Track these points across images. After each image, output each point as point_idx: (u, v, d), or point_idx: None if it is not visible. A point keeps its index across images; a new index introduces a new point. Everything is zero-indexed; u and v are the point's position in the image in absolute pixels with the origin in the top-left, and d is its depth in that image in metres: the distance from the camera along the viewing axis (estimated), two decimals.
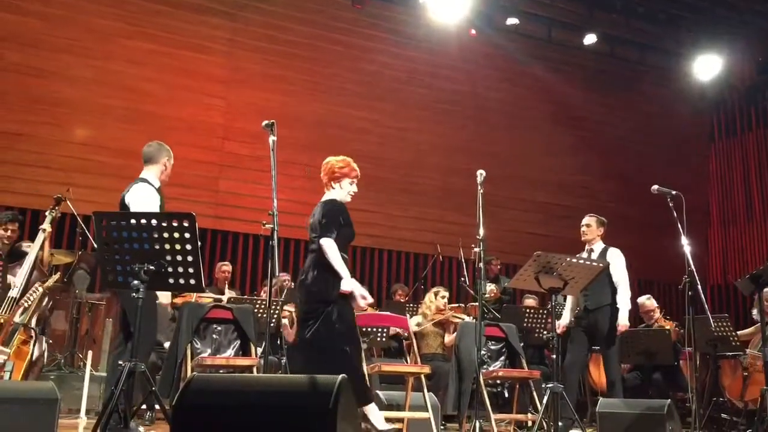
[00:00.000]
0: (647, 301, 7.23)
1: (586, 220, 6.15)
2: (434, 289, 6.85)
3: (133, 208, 4.20)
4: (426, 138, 10.17)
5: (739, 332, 6.42)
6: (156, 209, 4.22)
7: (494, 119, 10.64)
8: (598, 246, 6.03)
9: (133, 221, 3.34)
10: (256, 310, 5.84)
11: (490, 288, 7.05)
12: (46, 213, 5.83)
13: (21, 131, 8.14)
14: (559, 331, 5.81)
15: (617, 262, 5.83)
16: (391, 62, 10.07)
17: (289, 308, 7.17)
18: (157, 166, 4.46)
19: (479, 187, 4.45)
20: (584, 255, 5.91)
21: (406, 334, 6.18)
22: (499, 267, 8.71)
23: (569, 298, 6.04)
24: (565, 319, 5.94)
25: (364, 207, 9.75)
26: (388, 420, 5.28)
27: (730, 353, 6.46)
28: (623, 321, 5.78)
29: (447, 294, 7.05)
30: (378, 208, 9.77)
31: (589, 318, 5.80)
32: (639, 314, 7.39)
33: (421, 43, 10.19)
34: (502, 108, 10.71)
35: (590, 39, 10.82)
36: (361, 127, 9.83)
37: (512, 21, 10.39)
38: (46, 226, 5.72)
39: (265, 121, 4.10)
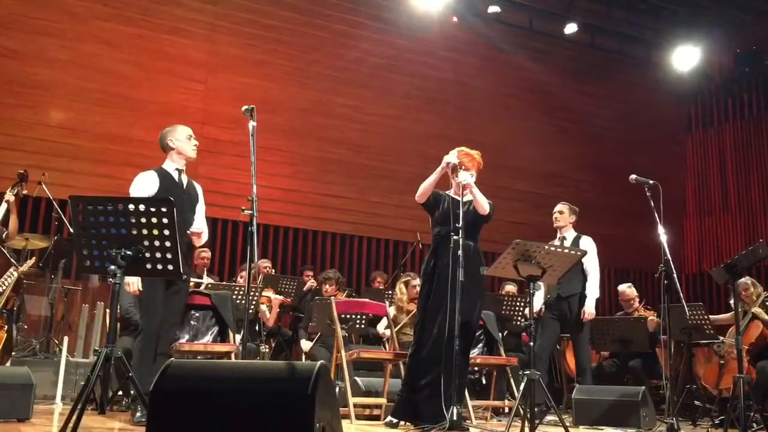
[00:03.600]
0: (628, 289, 7.26)
1: (558, 207, 6.23)
2: (404, 278, 6.68)
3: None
4: (408, 125, 10.16)
5: (714, 317, 6.52)
6: (142, 194, 4.24)
7: (476, 107, 10.65)
8: (570, 234, 6.11)
9: (110, 206, 3.30)
10: (234, 297, 5.81)
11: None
12: (9, 188, 5.73)
13: None
14: (541, 314, 5.90)
15: (591, 250, 5.89)
16: (373, 49, 10.02)
17: (267, 294, 7.17)
18: (170, 152, 4.50)
19: (457, 176, 4.50)
20: (556, 242, 5.95)
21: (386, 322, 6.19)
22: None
23: (542, 286, 6.09)
24: (538, 305, 5.98)
25: (345, 194, 9.76)
26: (366, 406, 5.32)
27: (704, 341, 6.55)
28: (590, 309, 5.89)
29: (418, 281, 7.02)
30: (358, 195, 9.77)
31: (561, 305, 5.92)
32: (618, 302, 7.46)
33: (403, 29, 10.15)
34: (484, 96, 10.72)
35: (571, 28, 10.86)
36: (343, 114, 9.80)
37: (494, 9, 10.39)
38: (9, 196, 5.62)
39: (245, 106, 4.06)
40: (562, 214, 6.16)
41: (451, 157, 4.49)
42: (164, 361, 4.21)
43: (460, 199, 4.46)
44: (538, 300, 6.00)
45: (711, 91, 12.16)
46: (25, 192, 5.95)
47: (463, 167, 4.54)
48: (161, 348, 4.31)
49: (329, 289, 7.24)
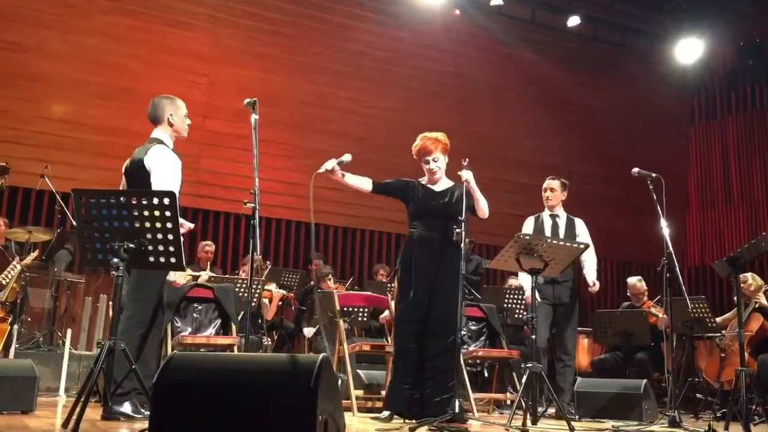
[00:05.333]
0: (638, 282, 7.19)
1: (550, 183, 5.80)
2: None
3: (155, 173, 3.94)
4: (409, 118, 10.13)
5: (717, 319, 6.51)
6: (179, 177, 4.01)
7: (478, 100, 10.63)
8: (562, 213, 5.79)
9: (112, 199, 3.31)
10: (237, 290, 5.82)
11: None
12: None
13: None
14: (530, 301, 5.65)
15: (585, 234, 5.70)
16: (375, 41, 10.00)
17: (269, 287, 7.18)
18: (164, 126, 4.16)
19: (425, 164, 4.43)
20: (546, 219, 5.73)
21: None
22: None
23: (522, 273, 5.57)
24: (529, 292, 5.56)
25: (347, 187, 9.73)
26: (368, 399, 5.34)
27: (707, 335, 6.55)
28: (595, 278, 5.57)
29: None
30: None
31: (555, 290, 5.56)
32: (621, 295, 7.44)
33: (405, 22, 10.13)
34: (486, 89, 10.70)
35: (574, 21, 10.83)
36: (345, 107, 9.78)
37: (496, 2, 10.35)
38: None
39: (247, 99, 4.04)
40: (554, 191, 5.75)
41: (329, 164, 4.40)
42: (154, 353, 4.16)
43: (466, 191, 4.30)
44: (526, 284, 5.60)
45: (714, 84, 12.12)
46: (6, 185, 5.95)
47: (472, 164, 4.34)
48: (155, 339, 4.18)
49: (330, 285, 7.22)
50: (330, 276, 7.35)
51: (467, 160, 4.35)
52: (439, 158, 4.44)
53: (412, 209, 4.50)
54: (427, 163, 4.48)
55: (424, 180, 4.56)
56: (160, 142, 4.12)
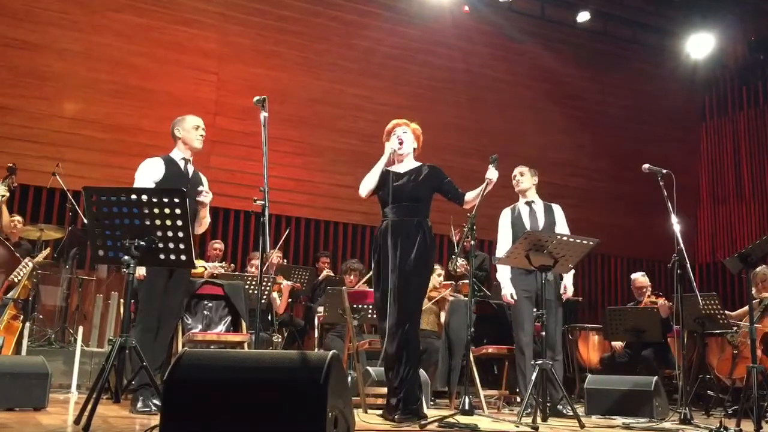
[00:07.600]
0: (642, 277, 7.19)
1: (518, 169, 5.71)
2: None
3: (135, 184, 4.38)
4: (419, 115, 10.04)
5: (730, 313, 6.47)
6: (148, 182, 4.32)
7: (487, 97, 10.60)
8: (538, 200, 5.62)
9: (123, 197, 3.32)
10: (247, 287, 5.84)
11: (461, 263, 7.02)
12: (0, 183, 5.79)
13: (8, 105, 8.05)
14: (511, 301, 5.34)
15: (563, 221, 5.53)
16: (384, 38, 9.98)
17: (279, 280, 7.20)
18: (177, 142, 4.61)
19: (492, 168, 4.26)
20: (522, 206, 5.55)
21: None
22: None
23: (500, 267, 5.42)
24: (509, 288, 5.36)
25: (356, 184, 9.64)
26: (378, 396, 5.34)
27: (718, 331, 6.52)
28: (570, 285, 5.36)
29: (442, 272, 7.06)
30: None
31: (537, 279, 5.08)
32: (630, 289, 7.43)
33: (414, 19, 10.11)
34: (496, 85, 10.67)
35: (584, 16, 10.79)
36: (354, 104, 9.78)
37: None
38: (3, 191, 5.70)
39: (257, 97, 4.05)
40: (524, 175, 5.63)
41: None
42: (162, 352, 4.28)
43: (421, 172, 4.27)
44: (507, 283, 5.37)
45: (725, 79, 12.04)
46: (15, 185, 6.02)
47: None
48: (161, 340, 4.29)
49: (353, 280, 7.10)
50: (357, 273, 7.02)
51: (496, 155, 4.26)
52: (408, 132, 4.47)
53: (380, 196, 4.45)
54: (396, 134, 4.47)
55: (389, 166, 4.48)
56: (166, 154, 4.56)
